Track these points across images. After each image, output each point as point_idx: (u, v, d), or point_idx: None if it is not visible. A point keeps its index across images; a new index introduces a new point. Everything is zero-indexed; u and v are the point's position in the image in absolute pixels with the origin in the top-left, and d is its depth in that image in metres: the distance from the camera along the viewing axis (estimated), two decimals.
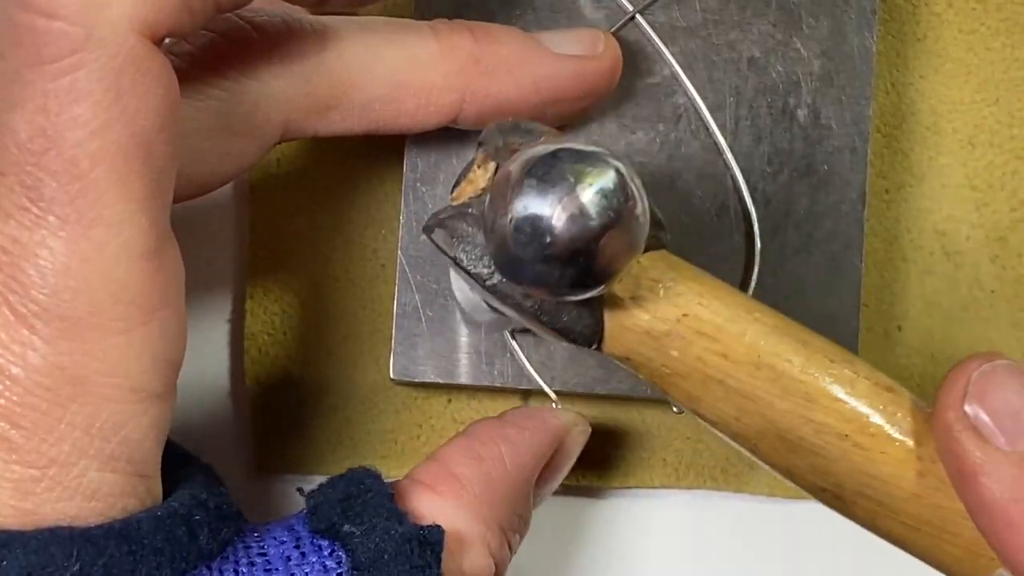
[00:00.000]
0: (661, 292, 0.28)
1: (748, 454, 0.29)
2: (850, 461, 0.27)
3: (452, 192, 0.29)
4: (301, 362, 0.37)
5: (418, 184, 0.34)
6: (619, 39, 0.34)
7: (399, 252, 0.34)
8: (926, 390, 0.37)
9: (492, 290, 0.28)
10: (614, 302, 0.28)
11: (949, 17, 0.37)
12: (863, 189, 0.34)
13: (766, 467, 0.29)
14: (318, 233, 0.37)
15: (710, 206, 0.34)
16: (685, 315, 0.28)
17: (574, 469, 0.34)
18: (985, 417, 0.26)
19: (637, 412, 0.37)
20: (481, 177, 0.29)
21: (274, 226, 0.37)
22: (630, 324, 0.28)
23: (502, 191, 0.26)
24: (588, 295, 0.27)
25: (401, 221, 0.34)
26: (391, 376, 0.34)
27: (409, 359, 0.34)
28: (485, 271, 0.28)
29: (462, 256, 0.28)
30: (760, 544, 0.38)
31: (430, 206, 0.34)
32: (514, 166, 0.26)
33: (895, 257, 0.37)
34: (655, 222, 0.28)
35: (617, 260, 0.26)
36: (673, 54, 0.34)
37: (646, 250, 0.28)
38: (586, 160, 0.26)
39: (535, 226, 0.25)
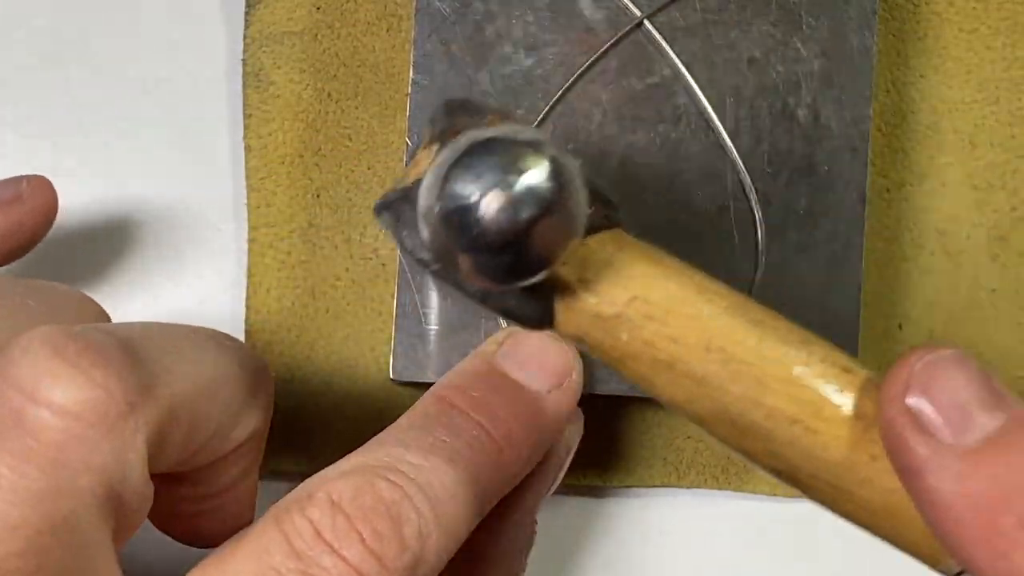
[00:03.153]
0: (611, 274, 0.28)
1: (707, 435, 0.28)
2: (802, 446, 0.27)
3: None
4: (301, 361, 0.37)
5: None
6: (621, 39, 0.34)
7: (399, 252, 0.34)
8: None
9: (435, 275, 0.28)
10: (563, 284, 0.28)
11: (950, 16, 0.37)
12: (863, 189, 0.34)
13: (726, 448, 0.28)
14: (318, 233, 0.37)
15: (710, 206, 0.34)
16: (634, 298, 0.27)
17: (575, 468, 0.34)
18: (929, 410, 0.25)
19: (637, 411, 0.37)
20: (425, 159, 0.28)
21: (274, 225, 0.37)
22: (579, 307, 0.28)
23: (434, 178, 0.25)
24: (526, 283, 0.26)
25: None
26: (391, 376, 0.34)
27: (409, 359, 0.34)
28: (427, 256, 0.27)
29: (406, 241, 0.28)
30: (761, 543, 0.38)
31: None
32: (446, 152, 0.26)
33: (895, 256, 0.37)
34: (603, 201, 0.27)
35: (553, 248, 0.26)
36: (674, 54, 0.34)
37: (596, 231, 0.27)
38: (518, 148, 0.25)
39: (463, 216, 0.25)
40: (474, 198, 0.25)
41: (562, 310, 0.28)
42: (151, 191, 0.38)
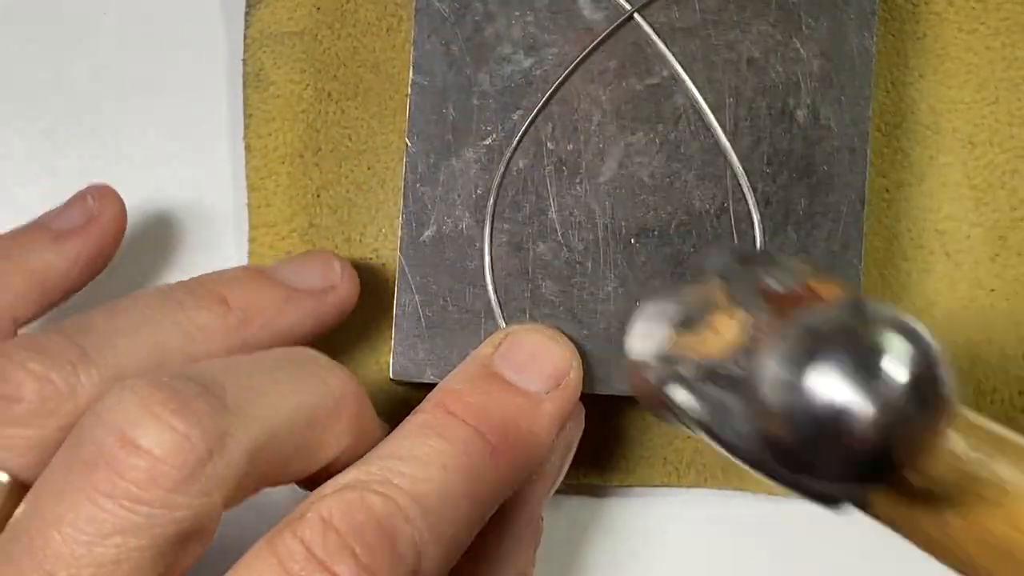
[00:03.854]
0: (935, 450, 0.24)
1: None
2: None
3: (683, 330, 0.25)
4: None
5: (418, 185, 0.34)
6: (619, 39, 0.34)
7: (399, 253, 0.34)
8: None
9: (753, 464, 0.24)
10: None
11: (949, 16, 0.37)
12: (863, 189, 0.34)
13: None
14: (318, 232, 0.37)
15: (710, 207, 0.34)
16: (965, 477, 0.24)
17: (575, 467, 0.34)
18: None
19: (638, 411, 0.37)
20: (729, 328, 0.25)
21: (274, 225, 0.37)
22: (900, 489, 0.24)
23: (791, 370, 0.22)
24: (877, 485, 0.23)
25: (401, 222, 0.34)
26: (391, 376, 0.34)
27: (409, 359, 0.34)
28: (741, 444, 0.24)
29: (711, 422, 0.24)
30: (760, 543, 0.38)
31: (430, 207, 0.34)
32: (804, 342, 0.22)
33: (895, 256, 0.37)
34: None
35: (925, 452, 0.23)
36: (672, 55, 0.34)
37: None
38: (893, 341, 0.22)
39: (840, 423, 0.22)
40: (851, 399, 0.22)
41: (880, 493, 0.25)
42: (151, 191, 0.38)
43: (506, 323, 0.34)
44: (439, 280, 0.34)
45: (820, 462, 0.23)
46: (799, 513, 0.38)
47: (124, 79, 0.38)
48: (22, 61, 0.38)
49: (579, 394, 0.32)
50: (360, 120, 0.37)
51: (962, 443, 0.24)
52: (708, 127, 0.34)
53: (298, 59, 0.37)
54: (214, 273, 0.33)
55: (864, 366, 0.22)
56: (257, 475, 0.27)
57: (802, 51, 0.34)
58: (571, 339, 0.34)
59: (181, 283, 0.32)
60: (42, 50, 0.38)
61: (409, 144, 0.34)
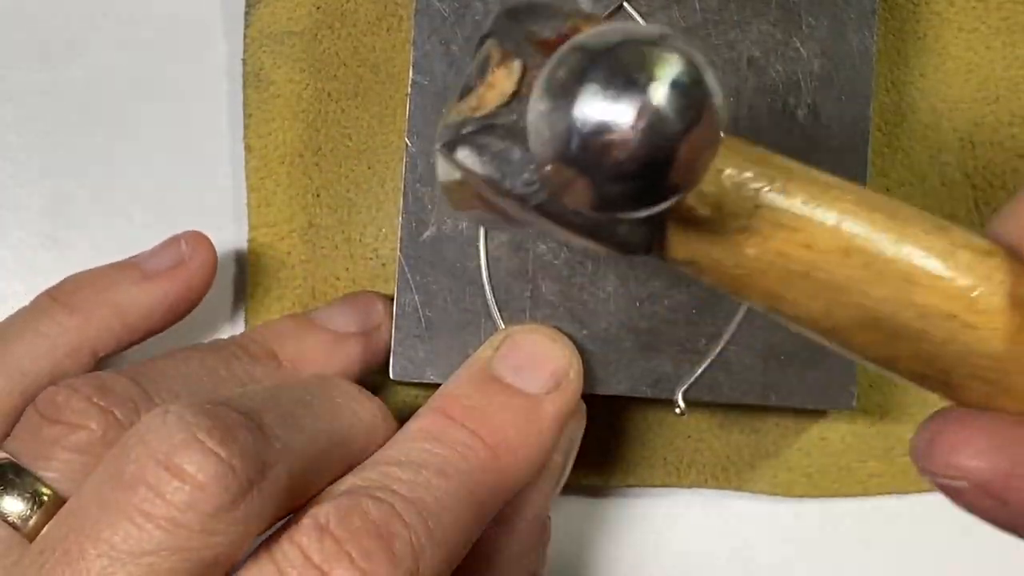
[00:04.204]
0: (727, 184, 0.25)
1: (839, 349, 0.26)
2: (959, 343, 0.24)
3: (463, 98, 0.25)
4: None
5: (418, 184, 0.34)
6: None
7: (399, 253, 0.34)
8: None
9: (539, 210, 0.24)
10: (677, 203, 0.24)
11: (949, 16, 0.37)
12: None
13: (861, 360, 0.26)
14: (318, 232, 0.37)
15: None
16: (758, 206, 0.24)
17: (575, 468, 0.34)
18: None
19: (638, 411, 0.37)
20: (505, 79, 0.25)
21: (274, 225, 0.37)
22: (695, 224, 0.25)
23: (554, 99, 0.22)
24: (663, 207, 0.23)
25: (401, 222, 0.34)
26: (391, 376, 0.34)
27: (409, 359, 0.34)
28: (529, 191, 0.24)
29: (497, 176, 0.24)
30: (760, 543, 0.38)
31: (429, 207, 0.34)
32: (563, 69, 0.22)
33: None
34: None
35: (700, 165, 0.23)
36: None
37: None
38: (653, 51, 0.22)
39: (606, 140, 0.21)
40: (617, 117, 0.21)
41: (676, 231, 0.25)
42: (151, 191, 0.38)
43: (505, 323, 0.34)
44: (439, 280, 0.34)
45: (601, 187, 0.22)
46: (799, 513, 0.38)
47: (124, 79, 0.38)
48: (22, 62, 0.38)
49: (579, 394, 0.32)
50: (360, 120, 0.37)
51: (747, 170, 0.25)
52: None
53: (298, 59, 0.37)
54: (262, 326, 0.35)
55: (624, 80, 0.22)
56: (289, 504, 0.27)
57: (802, 50, 0.34)
58: (571, 339, 0.33)
59: (233, 339, 0.34)
60: (42, 50, 0.38)
61: (409, 144, 0.34)
